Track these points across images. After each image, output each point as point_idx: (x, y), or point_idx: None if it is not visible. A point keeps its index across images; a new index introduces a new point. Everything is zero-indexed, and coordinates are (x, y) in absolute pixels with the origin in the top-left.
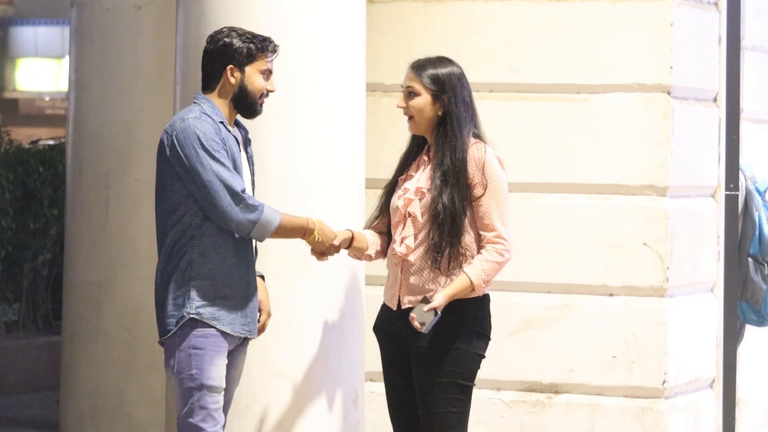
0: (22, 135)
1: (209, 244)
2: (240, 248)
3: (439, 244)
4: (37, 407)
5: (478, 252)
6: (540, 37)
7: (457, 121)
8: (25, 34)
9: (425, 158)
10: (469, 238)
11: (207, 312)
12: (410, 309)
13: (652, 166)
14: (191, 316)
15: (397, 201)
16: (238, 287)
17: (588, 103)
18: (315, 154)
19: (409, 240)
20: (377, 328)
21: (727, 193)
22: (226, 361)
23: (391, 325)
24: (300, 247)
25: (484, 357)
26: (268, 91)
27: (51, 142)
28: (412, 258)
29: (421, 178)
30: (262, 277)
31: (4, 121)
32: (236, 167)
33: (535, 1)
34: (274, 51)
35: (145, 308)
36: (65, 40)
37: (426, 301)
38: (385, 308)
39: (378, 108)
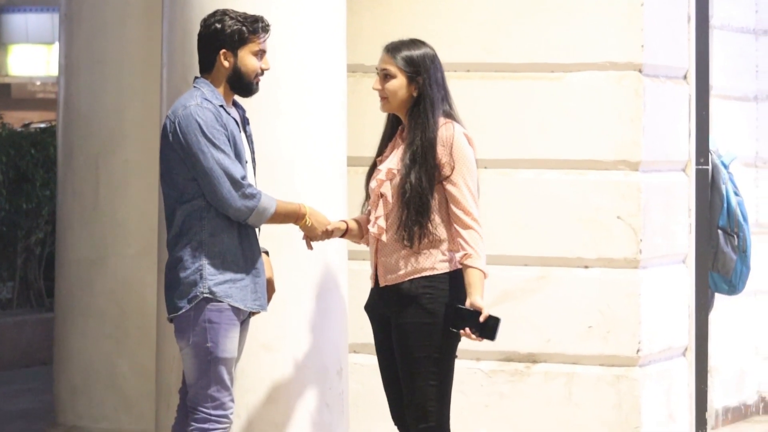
0: (14, 119)
1: (218, 225)
2: (245, 227)
3: (407, 223)
4: (32, 382)
5: (448, 231)
6: (515, 18)
7: (430, 102)
8: (17, 21)
9: (399, 139)
10: (438, 218)
11: (220, 290)
12: (388, 287)
13: (625, 142)
14: (205, 295)
15: (372, 182)
16: (246, 264)
17: (562, 81)
18: (298, 134)
19: (380, 220)
20: (367, 307)
21: (698, 167)
22: (238, 334)
23: (375, 303)
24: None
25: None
26: (263, 70)
27: (42, 126)
28: (384, 238)
29: (394, 158)
30: (267, 252)
31: None
32: (237, 150)
33: None
34: (266, 30)
35: (135, 285)
36: (55, 26)
37: (463, 313)
38: (372, 287)
39: (358, 88)
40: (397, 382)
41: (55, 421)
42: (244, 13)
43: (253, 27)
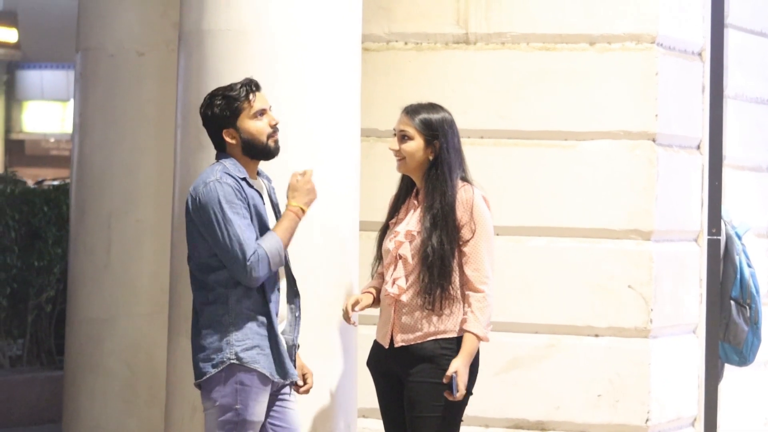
0: (28, 175)
1: (243, 293)
2: (269, 290)
3: (429, 286)
4: None
5: (464, 292)
6: (530, 86)
7: (447, 165)
8: (32, 78)
9: (414, 201)
10: (458, 279)
11: (247, 356)
12: (405, 347)
13: (638, 210)
14: (231, 361)
15: (388, 243)
16: (270, 330)
17: (576, 149)
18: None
19: (400, 281)
20: (371, 365)
21: (710, 237)
22: (267, 399)
23: (384, 363)
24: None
25: (471, 394)
26: (273, 126)
27: (56, 183)
28: (404, 298)
29: (411, 221)
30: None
31: (11, 162)
32: (262, 221)
33: (525, 50)
34: (252, 90)
35: (144, 344)
36: (70, 84)
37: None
38: (377, 345)
39: (372, 153)
40: None
41: None
42: (228, 86)
43: (238, 94)
